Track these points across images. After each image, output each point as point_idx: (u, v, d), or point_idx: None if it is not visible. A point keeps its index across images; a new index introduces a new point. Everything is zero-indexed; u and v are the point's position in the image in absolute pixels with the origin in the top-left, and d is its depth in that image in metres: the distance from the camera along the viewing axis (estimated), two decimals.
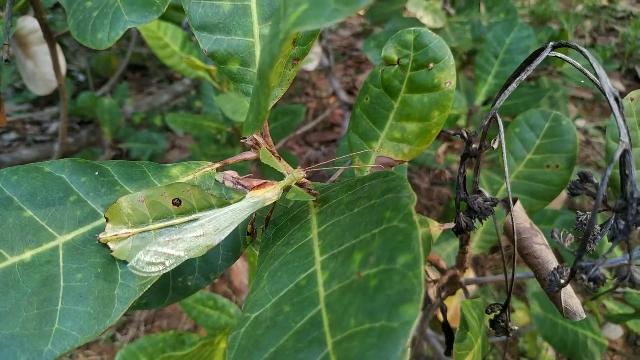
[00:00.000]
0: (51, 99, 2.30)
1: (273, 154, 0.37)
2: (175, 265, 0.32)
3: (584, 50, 0.28)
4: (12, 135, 2.19)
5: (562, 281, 0.27)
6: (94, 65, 2.34)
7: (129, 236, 0.31)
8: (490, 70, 1.23)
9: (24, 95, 2.30)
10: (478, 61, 1.25)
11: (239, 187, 0.36)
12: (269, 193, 0.34)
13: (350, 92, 2.28)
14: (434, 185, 1.79)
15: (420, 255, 0.21)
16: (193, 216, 0.33)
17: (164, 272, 0.32)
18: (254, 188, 0.34)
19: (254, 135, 0.37)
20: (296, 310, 0.24)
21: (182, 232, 0.32)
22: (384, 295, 0.20)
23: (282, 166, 0.36)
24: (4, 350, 0.24)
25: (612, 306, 1.08)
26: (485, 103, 1.22)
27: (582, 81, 1.41)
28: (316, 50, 1.47)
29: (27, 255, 0.28)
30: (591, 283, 0.24)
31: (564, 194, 1.64)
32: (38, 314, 0.26)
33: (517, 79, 0.32)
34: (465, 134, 0.35)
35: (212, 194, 0.34)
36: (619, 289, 1.03)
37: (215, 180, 0.36)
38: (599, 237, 0.27)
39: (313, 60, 1.27)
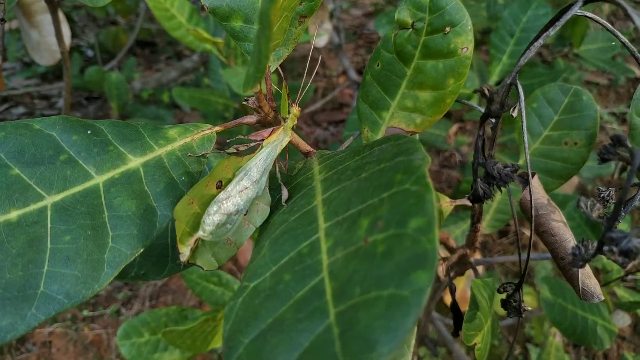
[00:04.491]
0: (59, 73, 2.29)
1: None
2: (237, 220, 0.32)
3: (621, 2, 0.26)
4: (21, 110, 2.18)
5: (588, 255, 0.25)
6: (103, 41, 2.32)
7: (198, 240, 0.31)
8: (505, 49, 1.19)
9: (33, 70, 2.29)
10: (493, 40, 1.21)
11: (252, 143, 0.35)
12: (281, 135, 0.35)
13: (360, 72, 2.25)
14: (444, 168, 1.77)
15: (434, 219, 0.19)
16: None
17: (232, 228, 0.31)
18: (267, 137, 0.34)
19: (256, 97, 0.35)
20: (297, 279, 0.22)
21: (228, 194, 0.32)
22: (393, 262, 0.18)
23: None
24: None
25: (623, 294, 1.06)
26: (498, 83, 1.19)
27: (613, 43, 1.36)
28: (327, 26, 1.44)
29: (13, 215, 0.26)
30: (622, 257, 0.22)
31: (576, 179, 1.60)
32: (22, 276, 0.24)
33: (545, 34, 0.30)
34: (487, 92, 0.32)
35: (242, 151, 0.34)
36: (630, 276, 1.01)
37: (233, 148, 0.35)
38: (628, 209, 0.25)
39: (323, 36, 1.24)
